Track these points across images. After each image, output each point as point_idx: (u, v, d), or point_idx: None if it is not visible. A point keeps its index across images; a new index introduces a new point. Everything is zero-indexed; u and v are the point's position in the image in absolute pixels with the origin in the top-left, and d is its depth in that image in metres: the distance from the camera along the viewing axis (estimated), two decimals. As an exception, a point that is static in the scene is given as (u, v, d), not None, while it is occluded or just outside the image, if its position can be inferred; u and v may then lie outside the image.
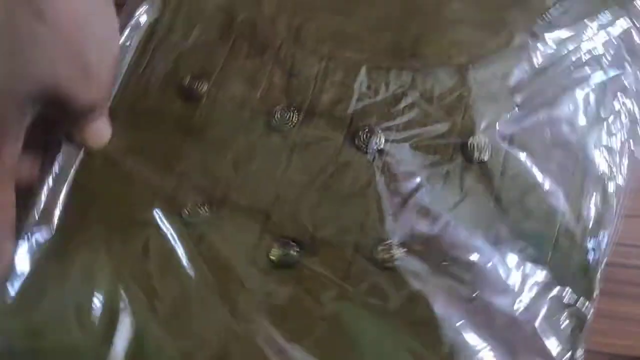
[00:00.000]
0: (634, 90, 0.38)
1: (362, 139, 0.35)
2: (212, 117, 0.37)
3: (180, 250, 0.34)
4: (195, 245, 0.34)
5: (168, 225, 0.35)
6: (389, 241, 0.34)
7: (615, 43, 0.38)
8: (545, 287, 0.34)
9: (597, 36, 0.38)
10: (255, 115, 0.36)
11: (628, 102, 0.37)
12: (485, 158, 0.35)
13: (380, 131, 0.35)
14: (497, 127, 0.36)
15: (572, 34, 0.37)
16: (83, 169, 0.36)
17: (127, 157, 0.36)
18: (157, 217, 0.35)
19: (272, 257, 0.34)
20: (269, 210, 0.35)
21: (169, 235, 0.35)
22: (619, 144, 0.37)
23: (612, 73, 0.37)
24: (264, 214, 0.35)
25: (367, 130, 0.35)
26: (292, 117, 0.36)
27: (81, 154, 0.36)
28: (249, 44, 0.38)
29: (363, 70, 0.37)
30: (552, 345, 0.33)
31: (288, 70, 0.37)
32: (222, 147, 0.36)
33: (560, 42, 0.37)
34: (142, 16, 0.39)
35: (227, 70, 0.37)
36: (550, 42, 0.37)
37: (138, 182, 0.36)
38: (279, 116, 0.36)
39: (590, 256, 0.35)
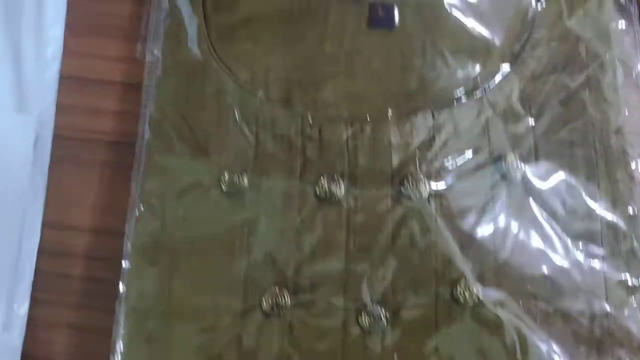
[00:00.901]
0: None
1: (408, 189, 0.37)
2: (261, 205, 0.37)
3: (274, 346, 0.35)
4: (286, 337, 0.35)
5: (252, 324, 0.36)
6: (464, 279, 0.35)
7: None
8: (609, 280, 0.36)
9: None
10: (302, 192, 0.37)
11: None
12: (519, 177, 0.37)
13: (423, 177, 0.37)
14: (523, 144, 0.38)
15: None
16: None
17: (185, 269, 0.37)
18: (238, 318, 0.36)
19: (362, 325, 0.35)
20: (344, 284, 0.36)
21: (257, 333, 0.35)
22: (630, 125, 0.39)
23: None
24: (342, 288, 0.36)
25: (410, 179, 0.37)
26: (338, 185, 0.37)
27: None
28: (272, 130, 0.38)
29: (387, 123, 0.38)
30: (633, 332, 0.36)
31: (318, 142, 0.38)
32: (281, 231, 0.37)
33: (544, 50, 0.40)
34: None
35: (260, 160, 0.38)
36: (536, 52, 0.40)
37: (206, 292, 0.36)
38: (326, 187, 0.37)
39: (635, 238, 0.37)
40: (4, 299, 0.40)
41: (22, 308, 0.40)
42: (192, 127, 0.39)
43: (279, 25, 0.40)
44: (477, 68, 0.39)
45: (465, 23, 0.40)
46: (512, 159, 0.37)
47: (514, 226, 0.37)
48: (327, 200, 0.37)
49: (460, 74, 0.39)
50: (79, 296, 0.40)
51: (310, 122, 0.38)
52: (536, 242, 0.37)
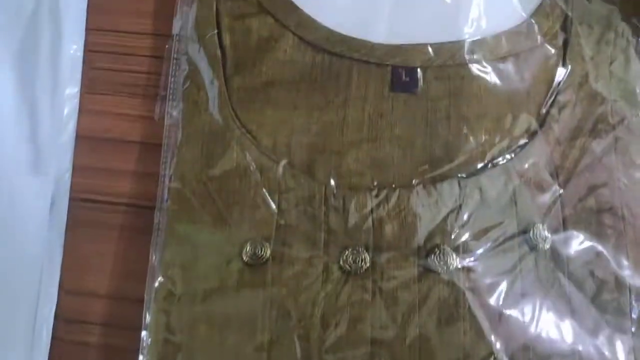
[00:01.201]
0: None
1: (435, 262, 0.36)
2: (284, 278, 0.37)
3: None
4: None
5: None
6: (494, 356, 0.35)
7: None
8: (639, 353, 0.36)
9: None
10: (326, 265, 0.37)
11: None
12: (547, 248, 0.37)
13: (450, 250, 0.36)
14: (551, 213, 0.37)
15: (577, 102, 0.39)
16: None
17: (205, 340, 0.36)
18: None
19: None
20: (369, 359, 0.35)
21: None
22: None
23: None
24: None
25: (437, 251, 0.36)
26: (363, 258, 0.36)
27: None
28: (295, 199, 0.38)
29: (413, 192, 0.37)
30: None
31: (342, 212, 0.37)
32: (304, 306, 0.36)
33: (570, 113, 0.39)
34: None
35: (283, 231, 0.37)
36: (562, 115, 0.39)
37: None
38: (350, 261, 0.36)
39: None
40: (20, 367, 0.39)
41: (40, 377, 0.39)
42: (213, 195, 0.38)
43: (301, 90, 0.39)
44: (503, 134, 0.38)
45: (490, 86, 0.39)
46: (540, 230, 0.37)
47: (543, 300, 0.36)
48: (352, 273, 0.36)
49: (486, 140, 0.38)
50: (98, 365, 0.40)
51: (334, 191, 0.37)
52: (565, 316, 0.36)
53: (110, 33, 0.44)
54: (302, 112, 0.39)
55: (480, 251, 0.37)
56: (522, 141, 0.39)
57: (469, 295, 0.36)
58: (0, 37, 0.43)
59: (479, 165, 0.38)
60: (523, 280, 0.36)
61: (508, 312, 0.36)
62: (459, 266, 0.36)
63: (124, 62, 0.44)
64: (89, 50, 0.44)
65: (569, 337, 0.36)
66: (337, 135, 0.39)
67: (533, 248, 0.37)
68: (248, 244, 0.37)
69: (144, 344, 0.37)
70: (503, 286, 0.36)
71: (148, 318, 0.37)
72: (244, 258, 0.37)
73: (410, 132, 0.39)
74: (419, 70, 0.39)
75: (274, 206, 0.37)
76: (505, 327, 0.36)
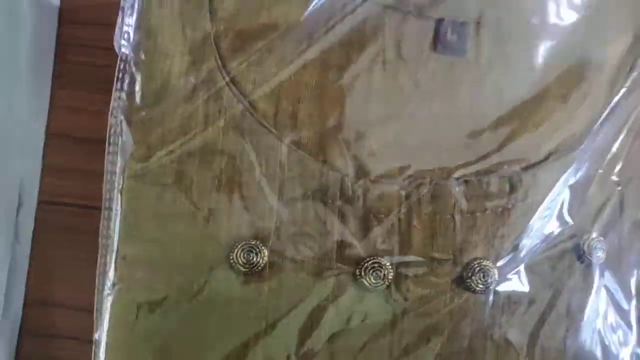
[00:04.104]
0: None
1: (474, 280, 0.29)
2: (284, 291, 0.29)
3: None
4: None
5: None
6: None
7: None
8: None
9: None
10: (338, 276, 0.29)
11: None
12: (603, 258, 0.30)
13: (492, 265, 0.29)
14: (610, 219, 0.31)
15: None
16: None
17: None
18: None
19: None
20: None
21: None
22: None
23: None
24: None
25: (476, 267, 0.29)
26: (385, 271, 0.29)
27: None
28: (302, 189, 0.30)
29: (452, 188, 0.29)
30: None
31: (361, 210, 0.29)
32: (309, 328, 0.29)
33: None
34: None
35: (285, 229, 0.29)
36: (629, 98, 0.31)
37: None
38: (370, 274, 0.29)
39: None
40: (-18, 384, 0.35)
41: (3, 394, 0.36)
42: (192, 179, 0.29)
43: (314, 40, 0.30)
44: (566, 118, 0.30)
45: (555, 54, 0.31)
46: (595, 239, 0.30)
47: (591, 322, 0.30)
48: (370, 289, 0.29)
49: (546, 125, 0.30)
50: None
51: (352, 182, 0.29)
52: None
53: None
54: (315, 71, 0.30)
55: (526, 262, 0.30)
56: (587, 131, 0.30)
57: (504, 319, 0.29)
58: None
59: (536, 159, 0.30)
60: (570, 298, 0.30)
61: (548, 337, 0.30)
62: (498, 281, 0.29)
63: (101, 55, 0.39)
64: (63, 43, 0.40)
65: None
66: (359, 106, 0.30)
67: (582, 259, 0.30)
68: (238, 246, 0.29)
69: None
70: (545, 305, 0.30)
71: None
72: (233, 264, 0.29)
73: (452, 109, 0.30)
74: (471, 26, 0.31)
75: (273, 197, 0.29)
76: (546, 353, 0.30)
